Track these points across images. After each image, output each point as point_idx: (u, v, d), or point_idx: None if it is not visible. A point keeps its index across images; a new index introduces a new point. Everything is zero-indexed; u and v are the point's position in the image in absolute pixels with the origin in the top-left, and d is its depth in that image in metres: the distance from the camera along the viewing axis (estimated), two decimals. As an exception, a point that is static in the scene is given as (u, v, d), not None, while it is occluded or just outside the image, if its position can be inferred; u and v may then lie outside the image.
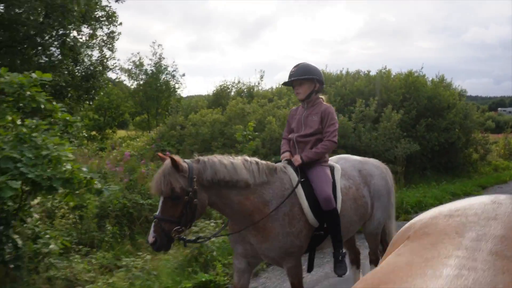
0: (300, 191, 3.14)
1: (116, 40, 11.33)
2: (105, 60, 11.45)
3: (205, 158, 2.97)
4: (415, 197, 8.27)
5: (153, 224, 2.82)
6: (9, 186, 3.23)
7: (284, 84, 3.56)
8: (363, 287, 0.95)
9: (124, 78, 25.76)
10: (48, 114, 4.21)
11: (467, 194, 9.13)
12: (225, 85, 13.79)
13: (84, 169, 3.83)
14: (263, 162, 3.16)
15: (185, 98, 20.99)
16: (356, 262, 4.12)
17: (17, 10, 9.53)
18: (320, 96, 3.52)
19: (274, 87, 13.98)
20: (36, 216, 4.28)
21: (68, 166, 3.65)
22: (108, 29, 11.38)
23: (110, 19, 11.13)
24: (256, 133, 8.83)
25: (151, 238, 2.80)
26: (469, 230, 1.01)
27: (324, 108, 3.41)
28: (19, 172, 3.36)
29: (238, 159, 3.04)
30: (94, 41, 11.23)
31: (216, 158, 2.98)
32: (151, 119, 22.71)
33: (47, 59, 10.83)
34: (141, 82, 21.43)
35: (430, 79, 12.93)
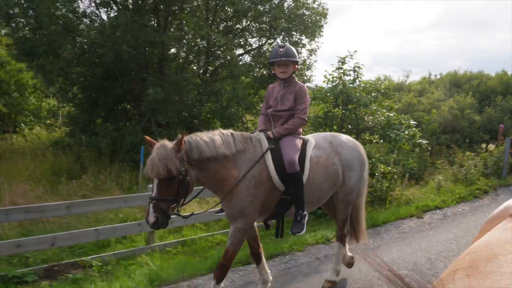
0: (268, 156, 3.35)
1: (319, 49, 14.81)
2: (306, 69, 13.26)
3: (189, 138, 3.13)
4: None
5: (151, 205, 2.90)
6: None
7: (269, 61, 3.66)
8: (472, 258, 0.93)
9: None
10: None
11: None
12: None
13: None
14: (238, 133, 3.40)
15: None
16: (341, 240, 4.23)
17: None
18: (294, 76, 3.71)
19: (414, 80, 18.38)
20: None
21: None
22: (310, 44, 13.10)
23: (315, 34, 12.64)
24: (436, 117, 13.16)
25: (152, 218, 2.87)
26: None
27: (299, 87, 3.61)
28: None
29: (215, 134, 3.27)
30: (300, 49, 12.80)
31: (198, 136, 3.16)
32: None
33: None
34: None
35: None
